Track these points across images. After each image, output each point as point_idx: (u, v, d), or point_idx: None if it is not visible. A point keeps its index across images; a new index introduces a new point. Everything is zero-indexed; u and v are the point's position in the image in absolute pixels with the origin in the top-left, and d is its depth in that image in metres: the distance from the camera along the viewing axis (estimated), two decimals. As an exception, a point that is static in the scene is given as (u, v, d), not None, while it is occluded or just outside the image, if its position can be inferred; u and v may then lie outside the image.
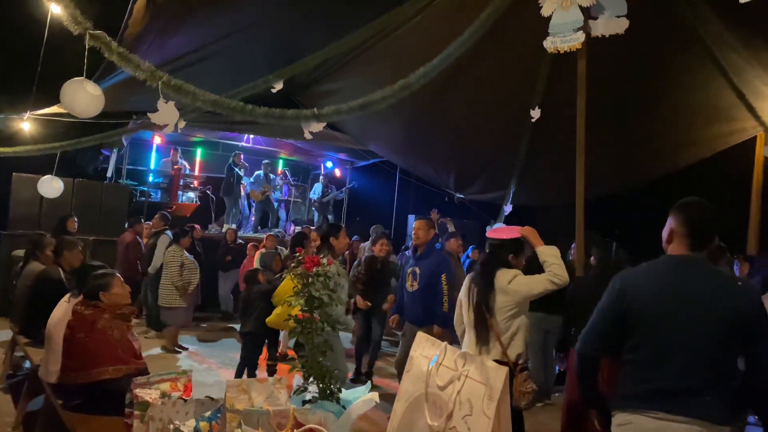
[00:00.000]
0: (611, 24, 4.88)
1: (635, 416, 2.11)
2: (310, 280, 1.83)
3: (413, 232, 5.45)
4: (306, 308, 1.83)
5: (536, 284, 3.40)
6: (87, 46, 4.00)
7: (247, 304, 6.05)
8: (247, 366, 5.82)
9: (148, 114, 4.55)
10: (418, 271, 5.30)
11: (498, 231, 3.77)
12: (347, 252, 9.02)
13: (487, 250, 3.76)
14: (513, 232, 3.60)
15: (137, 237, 8.79)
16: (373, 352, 6.60)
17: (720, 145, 7.54)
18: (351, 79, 7.87)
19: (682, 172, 8.46)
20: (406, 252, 7.05)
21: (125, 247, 8.68)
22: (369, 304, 6.31)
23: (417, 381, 1.56)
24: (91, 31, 4.00)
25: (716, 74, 6.37)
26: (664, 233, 2.31)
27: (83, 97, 3.55)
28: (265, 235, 9.31)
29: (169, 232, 8.09)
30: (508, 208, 9.52)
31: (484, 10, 5.28)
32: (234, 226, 10.93)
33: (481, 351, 3.51)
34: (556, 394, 6.09)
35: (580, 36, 4.89)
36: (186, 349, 7.39)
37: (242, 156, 11.91)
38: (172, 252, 7.34)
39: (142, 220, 9.16)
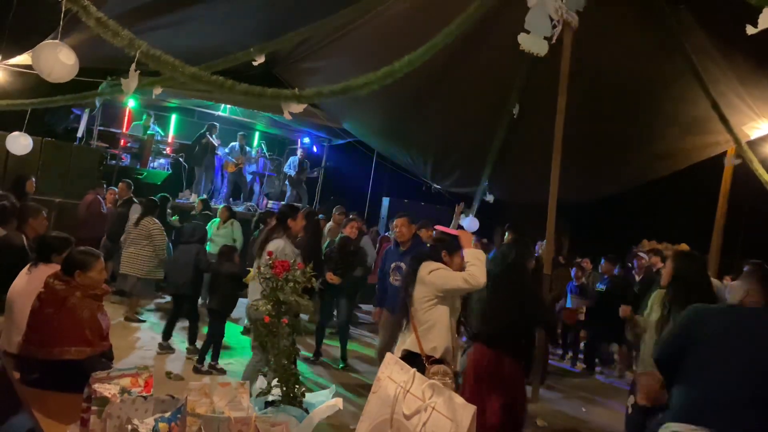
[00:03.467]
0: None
1: None
2: (278, 285, 1.82)
3: (396, 230, 5.50)
4: (273, 313, 1.82)
5: (451, 280, 3.55)
6: (63, 9, 3.87)
7: (215, 280, 6.00)
8: (213, 342, 5.82)
9: (122, 80, 4.43)
10: (403, 266, 5.39)
11: (444, 229, 4.00)
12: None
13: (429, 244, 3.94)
14: (454, 233, 3.86)
15: (100, 198, 8.47)
16: (342, 337, 6.61)
17: (692, 158, 7.64)
18: (335, 59, 7.75)
19: (655, 182, 8.59)
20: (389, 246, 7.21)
21: (86, 208, 8.42)
22: (338, 279, 6.34)
23: (383, 404, 1.57)
24: (68, -7, 3.85)
25: (694, 84, 6.43)
26: None
27: (60, 69, 3.46)
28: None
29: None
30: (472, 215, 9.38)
31: (472, 2, 5.25)
32: (205, 196, 10.76)
33: (404, 338, 3.69)
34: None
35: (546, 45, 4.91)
36: (143, 321, 7.36)
37: (217, 127, 11.70)
38: (156, 223, 7.22)
39: (105, 186, 8.78)
